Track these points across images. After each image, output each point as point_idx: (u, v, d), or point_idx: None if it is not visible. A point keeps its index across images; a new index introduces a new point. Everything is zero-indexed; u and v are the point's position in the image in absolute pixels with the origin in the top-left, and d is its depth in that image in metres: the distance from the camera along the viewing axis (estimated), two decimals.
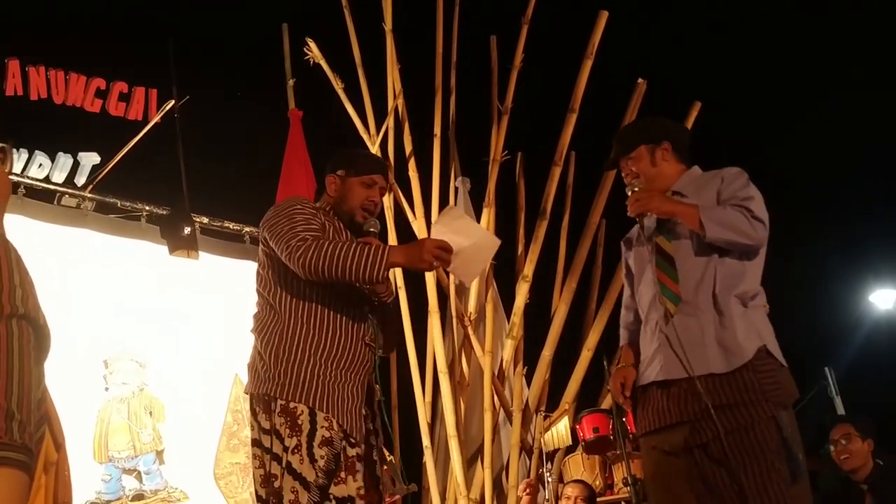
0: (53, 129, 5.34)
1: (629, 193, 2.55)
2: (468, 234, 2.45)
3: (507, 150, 5.63)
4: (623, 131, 2.80)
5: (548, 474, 4.95)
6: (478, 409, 5.38)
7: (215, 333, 4.46)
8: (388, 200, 5.54)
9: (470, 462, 5.27)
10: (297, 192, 6.19)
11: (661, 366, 2.44)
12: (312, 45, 5.58)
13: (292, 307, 2.45)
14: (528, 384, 5.35)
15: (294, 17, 6.68)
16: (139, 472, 3.85)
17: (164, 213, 4.51)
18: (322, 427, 2.36)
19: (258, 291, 2.53)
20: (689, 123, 5.76)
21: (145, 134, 4.91)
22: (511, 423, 5.20)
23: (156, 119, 4.58)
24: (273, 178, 6.29)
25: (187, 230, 4.06)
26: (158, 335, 4.22)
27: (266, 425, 2.37)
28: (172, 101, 4.66)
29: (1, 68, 5.00)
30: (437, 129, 5.61)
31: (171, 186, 5.09)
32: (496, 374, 5.30)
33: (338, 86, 5.60)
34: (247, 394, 2.44)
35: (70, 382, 3.76)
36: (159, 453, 3.88)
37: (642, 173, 2.60)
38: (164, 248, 4.31)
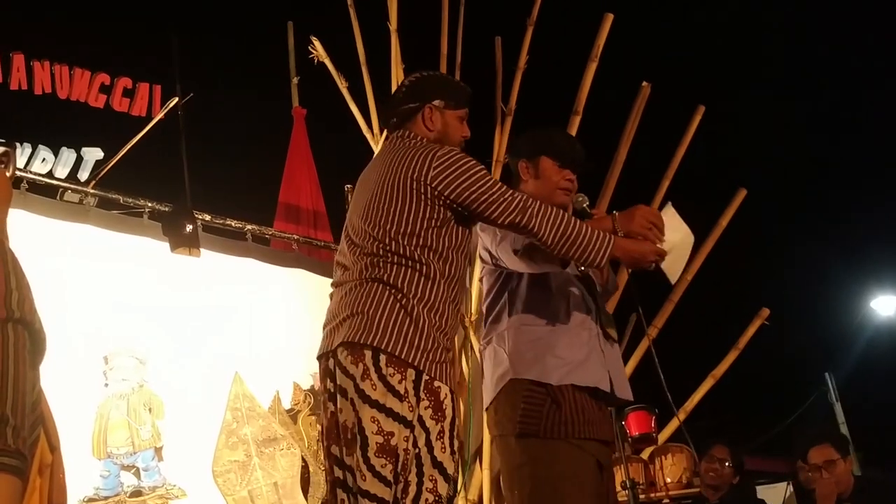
0: (57, 123, 5.35)
1: (580, 203, 2.64)
2: (676, 229, 2.40)
3: (510, 152, 5.62)
4: (580, 147, 2.80)
5: None
6: (477, 409, 5.38)
7: (216, 331, 4.46)
8: None
9: (468, 463, 5.27)
10: (300, 191, 6.21)
11: (615, 380, 2.54)
12: (317, 43, 5.58)
13: (441, 271, 2.24)
14: None
15: (299, 15, 6.69)
16: (138, 469, 3.85)
17: (166, 209, 4.51)
18: (457, 416, 2.21)
19: (397, 241, 2.24)
20: (693, 128, 5.76)
21: (149, 130, 4.91)
22: None
23: (159, 116, 4.58)
24: (275, 176, 6.30)
25: (189, 228, 4.06)
26: (159, 332, 4.23)
27: (401, 391, 2.12)
28: (176, 98, 4.66)
29: (6, 63, 5.00)
30: None
31: (174, 183, 5.09)
32: None
33: (342, 85, 5.59)
34: (364, 345, 2.13)
35: (69, 378, 3.77)
36: (158, 450, 3.89)
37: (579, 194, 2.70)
38: (166, 245, 4.31)
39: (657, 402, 4.49)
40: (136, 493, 3.80)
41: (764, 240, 8.25)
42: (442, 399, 2.18)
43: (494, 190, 2.25)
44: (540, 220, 2.24)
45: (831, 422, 8.96)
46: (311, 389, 4.53)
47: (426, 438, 2.16)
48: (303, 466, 4.27)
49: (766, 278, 8.65)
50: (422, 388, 2.16)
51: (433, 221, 2.27)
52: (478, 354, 5.38)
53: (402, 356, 2.14)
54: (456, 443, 2.23)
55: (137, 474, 3.85)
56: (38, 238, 3.96)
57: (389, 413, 2.12)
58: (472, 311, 5.43)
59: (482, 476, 5.07)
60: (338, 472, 2.20)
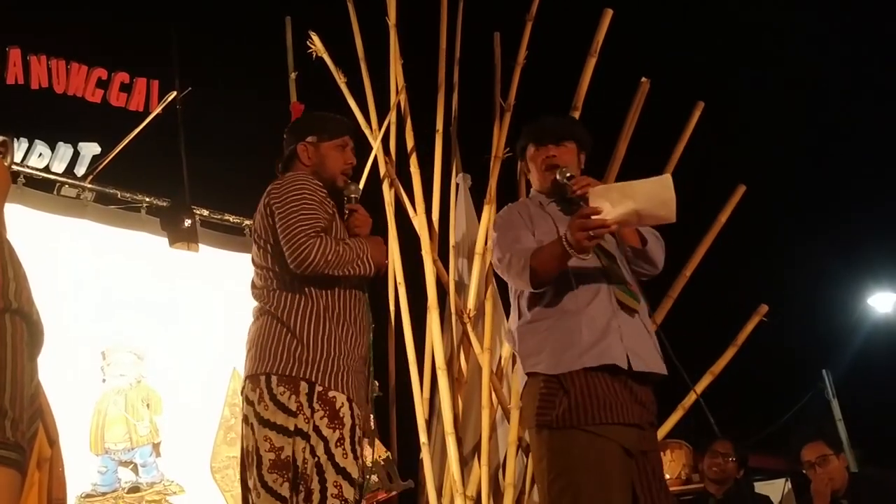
0: (54, 118, 5.33)
1: (563, 175, 2.56)
2: (629, 194, 2.36)
3: (508, 147, 5.61)
4: (556, 119, 2.80)
5: None
6: (475, 406, 5.37)
7: (214, 326, 4.45)
8: (388, 196, 5.53)
9: (466, 459, 5.26)
10: None
11: (633, 354, 2.44)
12: (316, 38, 5.56)
13: (324, 290, 2.40)
14: None
15: (297, 9, 6.66)
16: (135, 465, 3.84)
17: (164, 204, 4.49)
18: (357, 422, 2.32)
19: (271, 269, 2.44)
20: (692, 124, 5.74)
21: (146, 125, 4.90)
22: (509, 421, 5.19)
23: (157, 110, 4.56)
24: (273, 171, 6.28)
25: (188, 223, 4.05)
26: (157, 327, 4.21)
27: (293, 406, 2.26)
28: (175, 93, 4.64)
29: (2, 57, 4.98)
30: (440, 125, 5.59)
31: (172, 178, 5.07)
32: (494, 371, 5.29)
33: (340, 80, 5.58)
34: (259, 374, 2.31)
35: (67, 373, 3.75)
36: (156, 446, 3.87)
37: (569, 166, 2.62)
38: (164, 240, 4.30)
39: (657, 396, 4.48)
40: (134, 488, 3.78)
41: (762, 236, 8.25)
42: (338, 408, 2.30)
43: (292, 221, 2.36)
44: (309, 252, 2.33)
45: (828, 419, 8.97)
46: None
47: (325, 447, 2.26)
48: None
49: (764, 275, 8.65)
50: (315, 399, 2.28)
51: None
52: (476, 350, 5.39)
53: (292, 374, 2.29)
54: (359, 448, 2.33)
55: (135, 470, 3.84)
56: (35, 233, 3.94)
57: (280, 430, 2.26)
58: (471, 307, 5.43)
59: (480, 473, 5.06)
60: (246, 498, 2.36)
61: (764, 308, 5.95)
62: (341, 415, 2.28)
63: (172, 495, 3.81)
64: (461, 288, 5.53)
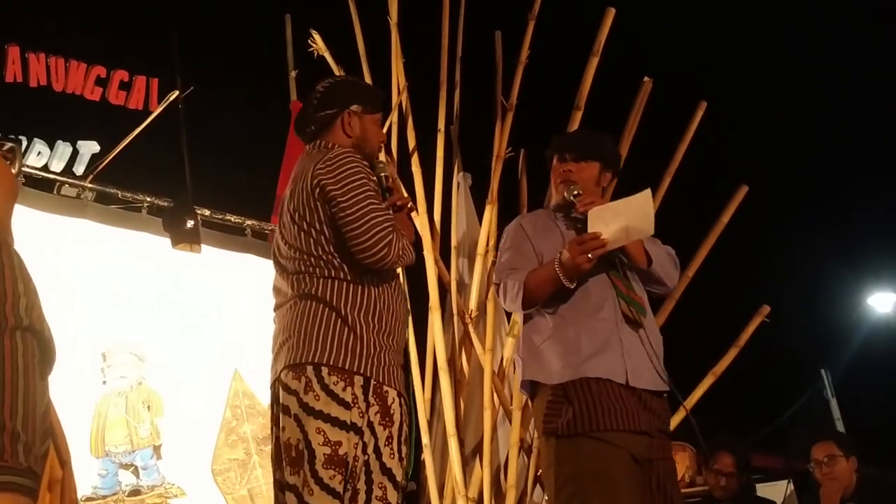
0: (52, 116, 5.29)
1: (570, 193, 2.60)
2: (620, 212, 2.47)
3: (510, 147, 5.59)
4: (583, 135, 2.86)
5: None
6: (476, 406, 5.35)
7: (215, 327, 4.42)
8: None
9: (467, 460, 5.24)
10: None
11: (632, 369, 2.45)
12: (317, 36, 5.52)
13: (376, 280, 2.28)
14: None
15: (297, 8, 6.63)
16: (136, 468, 3.81)
17: (165, 204, 4.46)
18: (405, 422, 2.22)
19: (312, 254, 2.25)
20: (695, 124, 5.72)
21: (149, 125, 4.86)
22: (510, 422, 5.17)
23: (160, 109, 4.53)
24: (273, 171, 6.24)
25: (190, 223, 4.01)
26: (157, 328, 4.18)
27: (348, 398, 2.11)
28: (176, 92, 4.60)
29: (0, 55, 4.94)
30: (442, 125, 5.56)
31: (172, 177, 5.04)
32: (496, 371, 5.27)
33: None
34: (304, 363, 2.13)
35: (67, 375, 3.71)
36: (157, 448, 3.84)
37: (583, 185, 2.62)
38: (165, 240, 4.26)
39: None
40: (135, 491, 3.75)
41: (763, 236, 8.24)
42: (389, 404, 2.18)
43: (363, 214, 2.21)
44: (388, 250, 2.22)
45: (827, 418, 8.96)
46: None
47: (374, 444, 2.15)
48: None
49: (765, 275, 8.65)
50: (371, 392, 2.15)
51: (337, 228, 2.24)
52: (478, 350, 5.37)
53: (347, 367, 2.14)
54: (404, 449, 2.23)
55: (136, 473, 3.80)
56: (34, 233, 3.90)
57: (335, 422, 2.10)
58: (472, 307, 5.40)
59: (482, 474, 5.04)
60: (280, 497, 2.17)
61: (766, 309, 5.93)
62: (392, 411, 2.18)
63: (173, 498, 3.78)
64: (462, 288, 5.51)
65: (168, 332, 4.18)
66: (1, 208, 1.07)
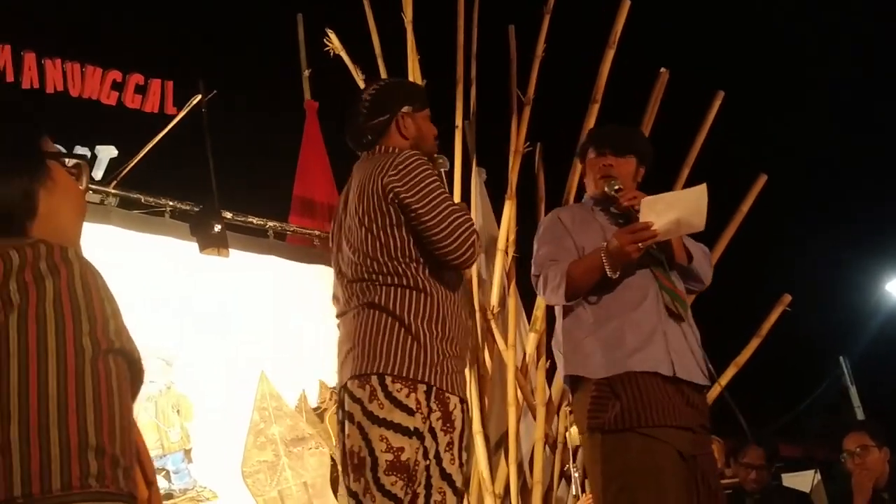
0: (70, 122, 5.30)
1: (611, 188, 2.60)
2: (673, 204, 2.46)
3: (527, 142, 5.57)
4: (622, 130, 2.85)
5: (574, 470, 4.91)
6: (499, 402, 5.34)
7: (240, 330, 4.42)
8: None
9: (491, 456, 5.24)
10: (315, 185, 6.15)
11: (677, 362, 2.44)
12: (333, 35, 5.50)
13: (438, 286, 2.26)
14: (551, 379, 5.31)
15: (309, 7, 6.61)
16: (167, 472, 3.81)
17: (188, 208, 4.45)
18: (467, 427, 2.23)
19: (376, 259, 2.26)
20: (712, 114, 5.69)
21: (164, 127, 4.86)
22: (534, 418, 5.16)
23: (182, 113, 4.52)
24: (289, 171, 6.24)
25: (217, 228, 4.00)
26: (184, 332, 4.18)
27: (411, 405, 2.13)
28: (199, 96, 4.59)
29: (17, 61, 4.94)
30: (459, 121, 5.54)
31: (193, 181, 5.04)
32: (519, 367, 5.26)
33: (359, 77, 5.52)
34: (369, 374, 2.15)
35: None
36: (187, 452, 3.85)
37: (622, 180, 2.64)
38: (190, 244, 4.26)
39: None
40: (167, 496, 3.76)
41: (782, 225, 8.21)
42: (451, 410, 2.20)
43: (445, 215, 2.23)
44: (474, 249, 2.24)
45: (846, 406, 8.93)
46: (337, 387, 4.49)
47: (436, 450, 2.17)
48: (332, 465, 4.23)
49: (783, 263, 8.62)
50: (433, 398, 2.17)
51: (408, 231, 2.25)
52: (500, 346, 5.36)
53: (411, 376, 2.15)
54: (464, 455, 2.25)
55: (167, 477, 3.81)
56: None
57: (398, 428, 2.13)
58: (494, 303, 5.39)
59: (508, 470, 5.03)
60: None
61: (787, 298, 5.91)
62: (453, 418, 2.20)
63: (206, 501, 3.79)
64: (481, 284, 5.50)
65: (194, 336, 4.18)
66: (71, 225, 1.07)
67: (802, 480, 5.47)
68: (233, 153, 5.49)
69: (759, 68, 7.44)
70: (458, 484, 2.19)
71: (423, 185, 2.24)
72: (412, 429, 2.14)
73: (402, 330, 2.19)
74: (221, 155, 5.23)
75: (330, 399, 4.47)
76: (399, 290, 2.23)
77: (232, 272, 4.44)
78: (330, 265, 5.14)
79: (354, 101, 2.50)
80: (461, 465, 2.20)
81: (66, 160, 1.10)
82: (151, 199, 4.36)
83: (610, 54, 5.33)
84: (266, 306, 4.59)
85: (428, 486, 2.15)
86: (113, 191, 4.36)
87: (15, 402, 0.79)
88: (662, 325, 2.47)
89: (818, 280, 8.58)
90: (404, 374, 2.15)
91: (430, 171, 2.28)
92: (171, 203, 4.40)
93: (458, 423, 2.21)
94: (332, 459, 4.29)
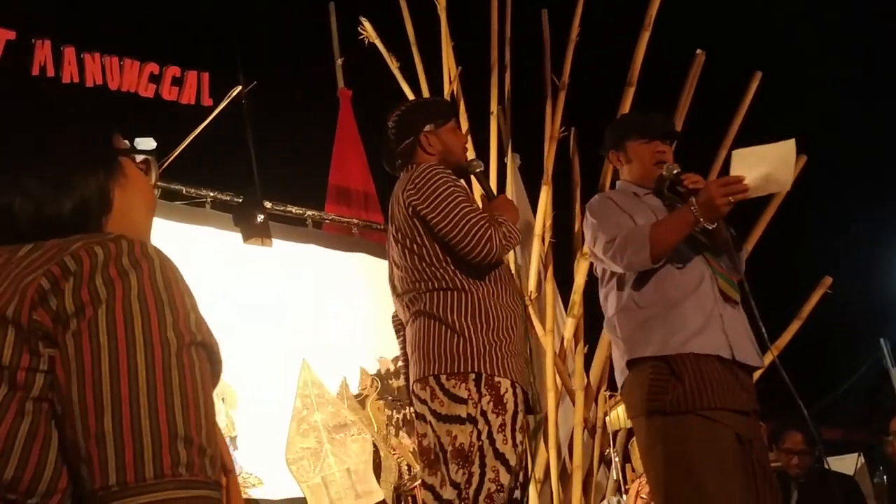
0: (109, 115, 5.35)
1: (670, 171, 2.59)
2: (763, 158, 2.40)
3: (562, 127, 5.55)
4: (664, 118, 2.84)
5: (614, 455, 4.92)
6: (537, 388, 5.35)
7: (282, 318, 4.46)
8: None
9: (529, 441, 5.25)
10: (350, 173, 6.18)
11: (735, 344, 2.43)
12: (367, 24, 5.50)
13: (478, 282, 2.40)
14: (589, 363, 5.31)
15: None
16: None
17: (229, 198, 4.50)
18: (520, 408, 2.33)
19: (416, 269, 2.43)
20: (750, 95, 5.62)
21: (202, 118, 4.90)
22: (573, 403, 5.17)
23: (223, 104, 4.56)
24: (324, 160, 6.27)
25: (260, 218, 4.03)
26: (227, 321, 4.22)
27: (464, 395, 2.29)
28: (239, 88, 4.62)
29: (57, 56, 5.00)
30: (494, 107, 5.53)
31: (231, 171, 5.08)
32: (557, 352, 5.26)
33: (393, 65, 5.53)
34: (427, 376, 2.34)
35: None
36: (233, 439, 3.90)
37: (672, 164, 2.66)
38: (231, 235, 4.30)
39: None
40: None
41: (821, 206, 8.10)
42: (502, 393, 2.30)
43: (458, 217, 2.36)
44: (492, 243, 2.35)
45: (887, 388, 8.81)
46: (378, 374, 4.52)
47: (488, 431, 2.28)
48: (373, 451, 4.27)
49: (821, 244, 8.51)
50: (483, 384, 2.30)
51: (435, 238, 2.40)
52: (538, 332, 5.36)
53: (460, 370, 2.32)
54: (519, 436, 2.33)
55: None
56: None
57: (457, 420, 2.30)
58: (531, 289, 5.39)
59: (548, 455, 5.05)
60: (425, 496, 2.38)
61: (828, 280, 5.85)
62: (505, 400, 2.29)
63: (251, 488, 3.84)
64: (519, 270, 5.50)
65: (237, 325, 4.23)
66: (143, 220, 1.09)
67: (845, 464, 5.42)
68: (267, 142, 5.52)
69: (797, 47, 7.32)
70: (513, 462, 2.26)
71: (436, 194, 2.39)
72: (465, 416, 2.28)
73: (448, 330, 2.35)
74: (262, 145, 5.28)
75: (371, 386, 4.50)
76: (439, 293, 2.40)
77: (272, 262, 4.48)
78: (368, 253, 5.24)
79: (383, 129, 2.68)
80: (515, 445, 2.27)
81: (136, 156, 1.12)
82: (193, 191, 4.40)
83: (645, 36, 5.29)
84: (306, 295, 4.63)
85: (482, 465, 2.24)
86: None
87: (108, 394, 0.81)
88: (719, 308, 2.44)
89: (859, 261, 8.46)
90: (455, 371, 2.31)
91: (444, 180, 2.42)
92: (211, 194, 4.44)
93: (510, 406, 2.29)
94: (374, 445, 4.33)
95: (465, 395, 2.29)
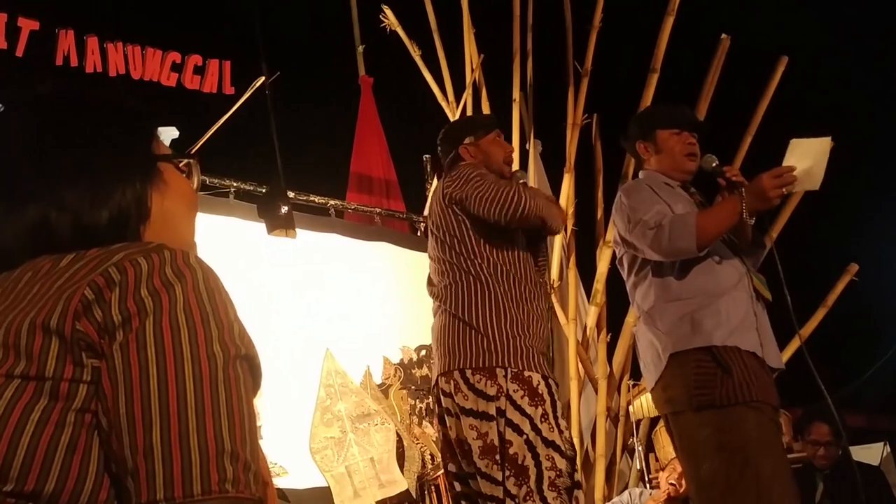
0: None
1: (709, 163, 2.59)
2: (810, 153, 2.37)
3: (585, 113, 5.50)
4: (692, 111, 2.99)
5: (637, 444, 4.91)
6: (560, 376, 5.35)
7: (306, 307, 4.46)
8: None
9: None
10: (371, 161, 6.16)
11: (765, 346, 2.44)
12: (388, 11, 5.47)
13: (500, 278, 2.48)
14: (612, 352, 5.29)
15: None
16: None
17: (252, 189, 4.50)
18: (557, 398, 2.40)
19: (447, 260, 2.54)
20: (776, 80, 5.54)
21: (225, 108, 4.89)
22: (596, 391, 5.16)
23: (247, 95, 4.55)
24: (345, 148, 6.26)
25: (284, 209, 4.03)
26: (250, 311, 4.23)
27: (492, 392, 2.34)
28: (262, 78, 4.61)
29: (80, 46, 5.02)
30: (516, 94, 5.50)
31: (253, 161, 5.08)
32: (580, 341, 5.25)
33: (415, 53, 5.50)
34: (451, 370, 2.40)
35: None
36: (258, 429, 3.91)
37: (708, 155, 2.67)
38: (254, 224, 4.30)
39: None
40: None
41: (846, 193, 8.01)
42: (535, 386, 2.37)
43: (485, 187, 2.49)
44: (518, 197, 2.46)
45: None
46: (401, 363, 4.53)
47: (530, 424, 2.32)
48: (397, 441, 4.28)
49: (848, 232, 8.42)
50: (511, 379, 2.35)
51: (466, 229, 2.52)
52: (561, 321, 5.35)
53: (486, 365, 2.37)
54: (562, 422, 2.41)
55: None
56: None
57: (482, 416, 2.34)
58: (553, 277, 5.37)
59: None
60: (458, 487, 2.46)
61: (854, 267, 5.79)
62: (540, 392, 2.35)
63: (276, 477, 3.85)
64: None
65: (261, 315, 4.24)
66: (185, 226, 1.08)
67: (871, 453, 5.39)
68: (289, 131, 5.52)
69: (823, 31, 7.21)
70: (564, 447, 2.33)
71: (467, 177, 2.54)
72: (493, 412, 2.33)
73: (470, 329, 2.43)
74: (283, 135, 5.27)
75: (394, 375, 4.51)
76: (461, 290, 2.48)
77: (295, 251, 4.48)
78: (391, 242, 5.24)
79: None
80: (560, 431, 2.34)
81: (178, 160, 1.11)
82: (216, 181, 4.40)
83: (669, 22, 5.23)
84: (330, 284, 4.63)
85: (535, 456, 2.29)
86: None
87: (156, 408, 0.80)
88: (754, 306, 2.45)
89: (882, 247, 8.37)
90: (481, 365, 2.37)
91: (479, 172, 2.57)
92: (235, 184, 4.44)
93: (546, 396, 2.37)
94: (398, 435, 4.34)
95: (493, 391, 2.33)
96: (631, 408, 5.00)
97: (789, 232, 5.64)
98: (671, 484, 4.10)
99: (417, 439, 4.36)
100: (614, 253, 5.24)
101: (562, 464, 2.30)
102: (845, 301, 5.93)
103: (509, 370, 2.35)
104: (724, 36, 5.43)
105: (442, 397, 2.47)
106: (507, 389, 2.33)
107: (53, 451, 0.82)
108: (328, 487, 3.99)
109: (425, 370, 4.52)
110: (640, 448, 4.92)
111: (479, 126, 2.77)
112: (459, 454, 2.41)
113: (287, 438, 4.06)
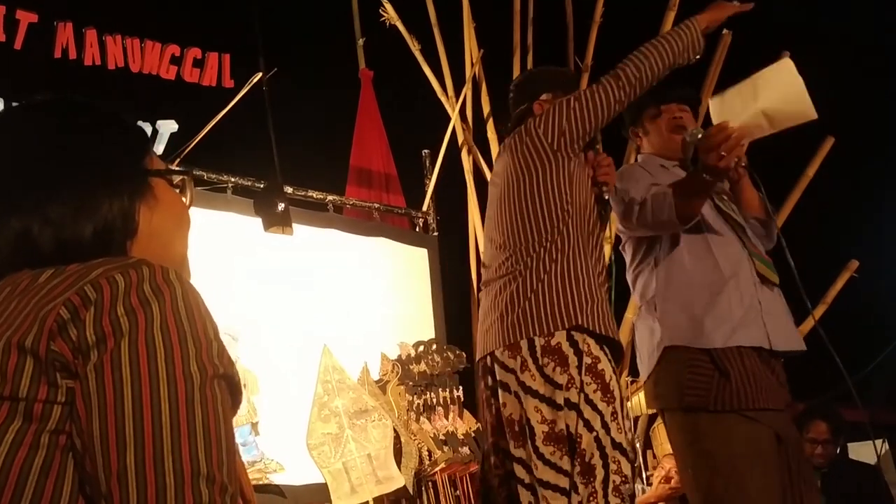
0: (132, 97, 5.35)
1: (694, 136, 2.45)
2: (748, 94, 2.18)
3: None
4: (675, 81, 2.72)
5: (635, 440, 4.90)
6: None
7: (303, 303, 4.46)
8: (467, 163, 5.47)
9: None
10: (371, 155, 6.14)
11: (772, 332, 2.34)
12: (388, 5, 5.45)
13: (569, 241, 2.31)
14: None
15: None
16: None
17: (250, 184, 4.48)
18: (623, 395, 2.25)
19: (518, 222, 2.36)
20: None
21: (224, 101, 4.87)
22: None
23: (244, 91, 4.53)
24: (344, 142, 6.24)
25: (281, 206, 4.01)
26: (247, 307, 4.23)
27: (562, 380, 2.17)
28: (260, 74, 4.59)
29: (79, 38, 4.99)
30: None
31: (251, 155, 5.06)
32: None
33: (414, 47, 5.48)
34: (518, 342, 2.22)
35: None
36: (254, 425, 3.91)
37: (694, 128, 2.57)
38: (252, 220, 4.29)
39: None
40: None
41: (849, 188, 7.99)
42: (608, 381, 2.20)
43: (588, 100, 2.33)
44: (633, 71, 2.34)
45: None
46: (399, 359, 4.52)
47: (601, 421, 2.17)
48: (394, 437, 4.27)
49: (850, 228, 8.39)
50: (584, 371, 2.17)
51: (549, 190, 2.30)
52: None
53: (553, 328, 2.18)
54: (627, 423, 2.27)
55: None
56: None
57: (551, 403, 2.17)
58: None
59: None
60: (508, 465, 2.26)
61: (854, 264, 5.78)
62: (611, 388, 2.20)
63: (273, 473, 3.85)
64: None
65: (257, 311, 4.23)
66: (174, 243, 1.06)
67: (868, 451, 5.37)
68: (287, 125, 5.50)
69: (825, 26, 7.18)
70: (629, 451, 2.21)
71: (560, 104, 2.33)
72: (562, 402, 2.17)
73: (544, 295, 2.24)
74: (281, 130, 5.26)
75: (392, 371, 4.50)
76: (537, 258, 2.28)
77: (293, 247, 4.47)
78: (389, 237, 5.23)
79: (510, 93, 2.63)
80: (625, 432, 2.21)
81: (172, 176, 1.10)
82: (214, 176, 4.39)
83: (671, 17, 5.21)
84: (327, 280, 4.63)
85: (604, 457, 2.15)
86: (176, 168, 4.40)
87: (130, 430, 0.79)
88: (758, 293, 2.35)
89: (884, 243, 8.34)
90: (548, 330, 2.19)
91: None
92: (232, 179, 4.43)
93: (616, 394, 2.20)
94: (395, 431, 4.33)
95: (563, 380, 2.17)
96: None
97: (791, 227, 5.63)
98: (661, 483, 4.11)
99: (415, 435, 4.36)
100: (614, 247, 5.25)
101: (626, 468, 2.17)
102: (845, 298, 5.92)
103: (584, 358, 2.17)
104: (725, 31, 5.41)
105: (500, 370, 2.26)
106: (579, 380, 2.16)
107: (27, 474, 0.81)
108: (325, 483, 3.98)
109: (423, 366, 4.51)
110: (637, 444, 4.91)
111: (559, 84, 2.56)
112: (511, 434, 2.22)
113: (284, 434, 4.06)
